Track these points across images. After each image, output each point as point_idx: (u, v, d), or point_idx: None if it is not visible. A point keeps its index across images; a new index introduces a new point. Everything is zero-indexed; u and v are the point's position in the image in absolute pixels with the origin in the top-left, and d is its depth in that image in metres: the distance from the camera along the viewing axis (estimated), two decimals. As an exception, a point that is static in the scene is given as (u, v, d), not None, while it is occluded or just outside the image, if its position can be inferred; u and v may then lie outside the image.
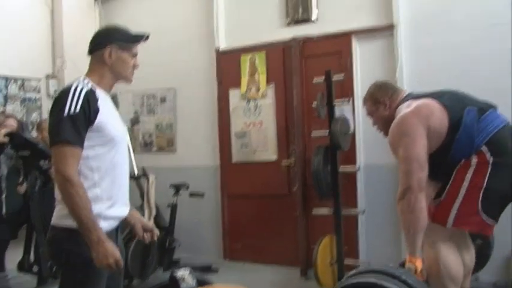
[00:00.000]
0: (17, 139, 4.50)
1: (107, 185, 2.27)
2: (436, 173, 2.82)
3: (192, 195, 5.65)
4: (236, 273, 5.42)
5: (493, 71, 4.33)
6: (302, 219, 5.13)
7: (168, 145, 6.14)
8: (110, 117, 2.29)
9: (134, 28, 6.58)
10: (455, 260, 2.83)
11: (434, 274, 2.81)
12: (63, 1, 6.16)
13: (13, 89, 5.74)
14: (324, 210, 4.68)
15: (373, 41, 4.92)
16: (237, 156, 5.63)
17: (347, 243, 4.76)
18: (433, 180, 2.90)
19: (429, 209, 2.78)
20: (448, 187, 2.80)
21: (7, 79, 5.70)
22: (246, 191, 5.58)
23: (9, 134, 4.50)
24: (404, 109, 2.89)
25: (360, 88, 4.91)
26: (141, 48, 6.41)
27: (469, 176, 2.75)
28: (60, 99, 2.20)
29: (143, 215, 5.10)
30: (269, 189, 5.42)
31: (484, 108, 2.85)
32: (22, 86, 5.82)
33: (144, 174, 5.27)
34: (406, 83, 4.63)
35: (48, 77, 6.06)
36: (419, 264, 2.70)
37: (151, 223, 2.65)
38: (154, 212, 5.15)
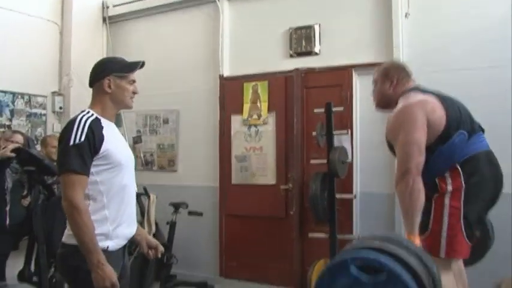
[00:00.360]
0: (23, 154, 4.60)
1: (114, 207, 2.45)
2: None
3: (190, 213, 5.81)
4: (231, 291, 5.60)
5: (492, 111, 4.55)
6: (298, 242, 5.29)
7: (169, 165, 6.27)
8: (116, 144, 2.48)
9: (141, 50, 6.85)
10: None
11: None
12: (72, 20, 6.32)
13: (19, 104, 5.86)
14: (319, 234, 4.85)
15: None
16: (236, 178, 5.77)
17: (340, 267, 4.95)
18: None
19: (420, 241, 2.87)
20: (431, 217, 2.91)
21: (14, 94, 5.83)
22: (244, 212, 5.72)
23: (16, 149, 4.62)
24: (411, 99, 2.99)
25: (359, 120, 5.14)
26: (147, 70, 6.63)
27: (447, 201, 2.88)
28: (67, 130, 2.39)
29: (143, 231, 5.25)
30: (267, 211, 5.56)
31: (474, 129, 3.00)
32: (28, 102, 5.95)
33: (145, 192, 5.42)
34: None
35: (54, 93, 6.19)
36: (417, 241, 2.77)
37: (155, 240, 2.80)
38: (154, 229, 5.31)
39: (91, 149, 2.35)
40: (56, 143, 5.26)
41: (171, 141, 6.28)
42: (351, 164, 5.04)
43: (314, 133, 4.78)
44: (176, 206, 5.66)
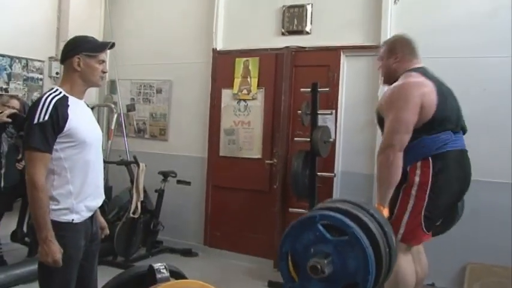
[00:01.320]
0: (19, 120, 4.72)
1: (78, 182, 2.58)
2: None
3: (179, 182, 6.01)
4: (214, 259, 5.82)
5: (467, 96, 4.65)
6: (280, 215, 5.47)
7: (161, 133, 6.42)
8: (81, 122, 2.58)
9: (138, 20, 6.95)
10: (411, 272, 3.12)
11: (392, 283, 3.10)
12: (69, -15, 6.33)
13: (17, 68, 5.94)
14: (300, 210, 5.03)
15: (361, 58, 5.20)
16: (224, 150, 5.91)
17: (319, 241, 5.15)
18: None
19: None
20: (397, 204, 3.06)
21: (12, 58, 5.90)
22: (230, 184, 5.89)
23: (13, 115, 4.77)
24: (411, 78, 3.08)
25: (344, 101, 5.26)
26: (142, 39, 6.75)
27: (413, 192, 3.02)
28: (32, 108, 2.51)
29: (131, 198, 5.46)
30: (251, 184, 5.73)
31: (456, 130, 3.13)
32: (26, 66, 6.03)
33: (135, 161, 5.60)
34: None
35: (51, 59, 6.26)
36: (385, 213, 2.95)
37: (104, 222, 2.99)
38: (141, 197, 5.48)
39: (54, 128, 2.45)
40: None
41: (163, 110, 6.41)
42: (334, 144, 5.18)
43: (299, 111, 4.92)
44: (165, 175, 5.86)
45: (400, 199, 3.07)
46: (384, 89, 4.85)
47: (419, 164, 3.04)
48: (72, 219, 2.56)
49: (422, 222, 3.04)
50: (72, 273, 2.59)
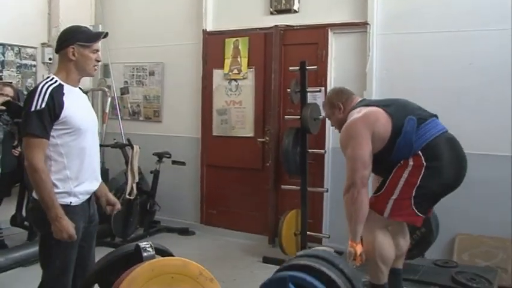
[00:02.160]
0: (13, 107, 4.79)
1: (75, 167, 2.67)
2: (379, 169, 3.20)
3: (174, 162, 6.11)
4: (211, 237, 5.94)
5: (454, 71, 4.75)
6: (273, 193, 5.57)
7: (155, 115, 6.50)
8: (76, 109, 2.66)
9: (128, 4, 6.97)
10: (388, 244, 3.18)
11: (370, 256, 3.17)
12: (60, -29, 6.34)
13: (10, 55, 6.01)
14: (292, 187, 5.13)
15: (348, 36, 5.26)
16: (217, 130, 6.00)
17: (312, 217, 5.26)
18: (376, 175, 3.34)
19: (370, 199, 3.12)
20: (387, 183, 3.11)
21: (4, 46, 5.96)
22: (224, 163, 5.99)
23: (6, 102, 4.83)
24: (355, 114, 3.18)
25: (333, 78, 5.32)
26: (134, 23, 6.76)
27: (405, 175, 3.06)
28: (30, 96, 2.59)
29: (127, 180, 5.56)
30: (245, 162, 5.83)
31: (425, 117, 3.15)
32: (18, 53, 6.10)
33: (129, 143, 5.68)
34: (375, 77, 5.07)
35: (43, 45, 6.32)
36: (359, 248, 3.08)
37: (114, 198, 3.08)
38: (137, 179, 5.57)
39: (51, 115, 2.53)
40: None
41: (157, 92, 6.48)
42: (324, 121, 5.23)
43: (289, 90, 4.98)
44: (160, 156, 5.96)
45: (391, 179, 3.11)
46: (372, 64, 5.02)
47: (410, 158, 3.08)
48: (70, 202, 2.65)
49: (413, 205, 3.10)
50: (72, 254, 2.69)
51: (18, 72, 6.09)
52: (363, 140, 3.06)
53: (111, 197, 3.05)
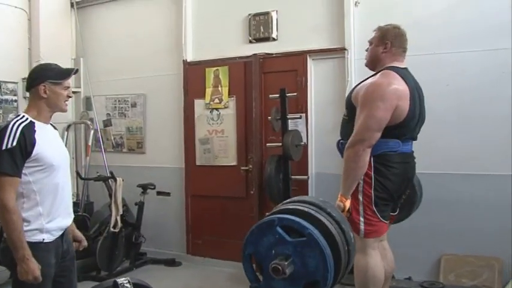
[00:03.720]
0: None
1: (48, 204, 2.69)
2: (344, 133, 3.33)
3: (159, 193, 6.09)
4: (198, 267, 5.91)
5: (433, 93, 4.77)
6: (257, 220, 5.45)
7: (138, 147, 6.49)
8: (48, 146, 2.68)
9: (109, 35, 7.01)
10: (380, 267, 3.21)
11: (362, 278, 3.20)
12: (40, 6, 6.33)
13: (-10, 91, 5.99)
14: (276, 214, 5.12)
15: (326, 61, 5.30)
16: (200, 160, 6.00)
17: (297, 243, 5.25)
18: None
19: None
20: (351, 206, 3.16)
21: (-16, 81, 5.94)
22: (208, 192, 5.97)
23: None
24: (394, 80, 3.14)
25: (314, 103, 5.36)
26: (115, 55, 6.78)
27: (360, 188, 3.14)
28: (0, 135, 2.57)
29: (111, 213, 5.52)
30: (229, 191, 5.82)
31: (407, 139, 3.25)
32: (-1, 88, 6.11)
33: (112, 176, 5.66)
34: (354, 101, 5.11)
35: (24, 79, 6.21)
36: (347, 204, 3.09)
37: (81, 235, 3.09)
38: (121, 211, 5.53)
39: (22, 153, 2.55)
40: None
41: (139, 124, 6.48)
42: (306, 147, 5.28)
43: (269, 117, 5.02)
44: (144, 187, 5.94)
45: (351, 195, 3.16)
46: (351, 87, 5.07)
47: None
48: (43, 239, 2.66)
49: (377, 213, 3.13)
50: None
51: (-1, 107, 6.07)
52: (388, 107, 3.06)
53: (78, 233, 3.07)
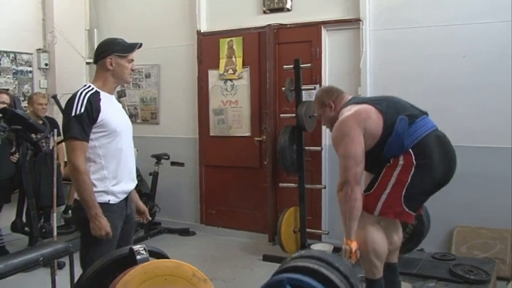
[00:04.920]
0: (9, 114, 4.79)
1: (113, 167, 2.86)
2: (369, 166, 3.21)
3: (173, 164, 6.14)
4: (211, 236, 5.99)
5: (448, 65, 4.76)
6: (271, 191, 5.57)
7: (152, 117, 6.53)
8: (112, 114, 2.84)
9: (122, 7, 6.99)
10: (381, 239, 3.17)
11: (363, 252, 3.19)
12: (54, -23, 6.35)
13: (5, 62, 6.01)
14: (290, 184, 5.16)
15: (341, 32, 5.28)
16: (214, 130, 6.03)
17: (311, 214, 5.30)
18: (368, 172, 3.36)
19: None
20: (377, 181, 3.13)
21: (-1, 53, 6.01)
22: (222, 162, 6.03)
23: (3, 109, 4.84)
24: (346, 112, 3.18)
25: (328, 75, 5.34)
26: (129, 26, 6.78)
27: (395, 173, 3.07)
28: (69, 103, 2.79)
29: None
30: (242, 161, 5.87)
31: (416, 115, 3.16)
32: (14, 60, 6.09)
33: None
34: (368, 72, 5.09)
35: (39, 51, 6.32)
36: (354, 245, 3.09)
37: (144, 207, 3.24)
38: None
39: (89, 119, 2.73)
40: (42, 100, 5.53)
41: (153, 94, 6.51)
42: (320, 118, 5.24)
43: (283, 88, 5.01)
44: (158, 158, 5.99)
45: (381, 178, 3.13)
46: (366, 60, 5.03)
47: (401, 156, 3.09)
48: (109, 200, 2.84)
49: (403, 203, 3.12)
50: (111, 250, 2.79)
51: (14, 78, 6.09)
52: (355, 137, 3.06)
53: (141, 205, 3.25)
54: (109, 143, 2.82)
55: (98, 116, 2.75)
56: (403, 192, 3.08)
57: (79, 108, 2.71)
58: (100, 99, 2.79)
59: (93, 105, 2.74)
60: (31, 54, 6.27)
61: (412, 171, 3.06)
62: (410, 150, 3.07)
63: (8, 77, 6.04)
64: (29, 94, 6.00)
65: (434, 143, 3.12)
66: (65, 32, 6.27)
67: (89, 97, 2.75)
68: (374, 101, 3.23)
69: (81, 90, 2.80)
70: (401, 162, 3.08)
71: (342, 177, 3.11)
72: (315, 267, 2.43)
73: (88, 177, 2.73)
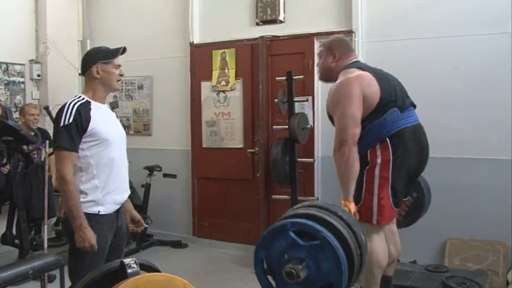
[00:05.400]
0: (0, 125, 4.77)
1: (104, 177, 2.84)
2: None
3: (165, 175, 6.12)
4: (203, 249, 5.94)
5: (440, 76, 4.78)
6: (264, 203, 5.53)
7: (145, 129, 6.51)
8: (103, 123, 2.83)
9: (115, 18, 6.98)
10: (384, 249, 3.22)
11: (367, 262, 3.25)
12: (47, -12, 6.35)
13: (-3, 73, 6.00)
14: (282, 196, 5.13)
15: (334, 44, 5.29)
16: (206, 142, 6.01)
17: (303, 226, 5.27)
18: None
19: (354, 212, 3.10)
20: (363, 189, 3.14)
21: (-9, 64, 5.95)
22: (214, 174, 6.00)
23: None
24: (349, 74, 3.17)
25: (320, 86, 5.31)
26: (122, 38, 6.77)
27: (377, 172, 3.11)
28: (58, 113, 2.79)
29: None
30: (235, 173, 5.84)
31: (404, 108, 3.20)
32: (6, 70, 6.07)
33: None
34: (361, 84, 5.09)
35: (31, 61, 6.30)
36: (352, 207, 3.04)
37: (139, 216, 3.21)
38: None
39: (78, 128, 2.73)
40: (33, 111, 5.50)
41: (146, 106, 6.49)
42: (313, 130, 5.27)
43: (276, 100, 5.01)
44: (151, 169, 5.96)
45: (366, 181, 3.14)
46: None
47: (378, 146, 3.13)
48: (99, 211, 2.82)
49: (391, 199, 3.14)
50: (100, 262, 2.78)
51: (6, 89, 6.06)
52: (355, 99, 3.06)
53: (136, 214, 3.22)
54: (101, 152, 2.81)
55: (87, 125, 2.75)
56: (389, 190, 3.12)
57: (68, 118, 2.72)
58: (90, 108, 2.79)
59: (83, 115, 2.74)
60: (23, 65, 6.25)
61: (391, 166, 3.10)
62: (387, 139, 3.10)
63: (0, 88, 6.00)
64: (21, 105, 5.96)
65: (410, 135, 3.17)
66: (57, 43, 6.25)
67: (78, 107, 2.75)
68: (378, 74, 3.22)
69: (71, 100, 2.81)
70: (379, 160, 3.11)
71: (338, 137, 3.09)
72: (317, 213, 2.42)
73: (75, 187, 2.72)
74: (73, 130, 2.71)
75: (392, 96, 3.17)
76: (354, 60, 3.39)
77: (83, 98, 2.83)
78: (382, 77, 3.20)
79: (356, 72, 3.18)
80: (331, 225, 2.34)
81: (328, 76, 3.45)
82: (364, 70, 3.22)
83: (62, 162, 2.72)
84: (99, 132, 2.78)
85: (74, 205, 2.70)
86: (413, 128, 3.22)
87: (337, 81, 3.21)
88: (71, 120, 2.71)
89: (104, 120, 2.85)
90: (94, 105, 2.83)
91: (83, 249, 2.71)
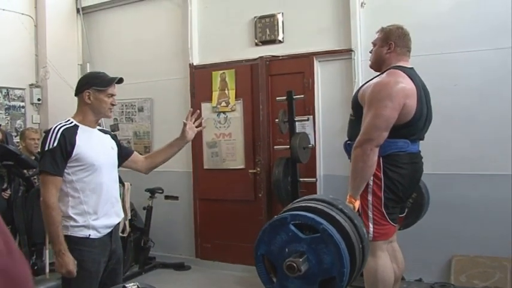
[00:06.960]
0: (1, 150, 4.78)
1: (93, 202, 2.81)
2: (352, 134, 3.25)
3: (167, 197, 6.08)
4: (207, 271, 5.88)
5: (440, 93, 4.75)
6: (266, 223, 5.52)
7: (146, 151, 6.45)
8: (89, 148, 2.80)
9: (115, 40, 7.01)
10: (390, 268, 3.19)
11: (372, 280, 3.18)
12: (46, 12, 6.40)
13: (-3, 98, 6.01)
14: (285, 217, 5.10)
15: (333, 63, 5.29)
16: (208, 163, 5.99)
17: (307, 246, 5.22)
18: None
19: None
20: (359, 211, 3.09)
21: (-8, 88, 5.96)
22: (216, 196, 5.96)
23: None
24: (401, 78, 3.12)
25: (321, 105, 5.34)
26: (121, 60, 6.81)
27: (369, 189, 3.10)
28: (45, 137, 2.80)
29: (120, 217, 5.52)
30: (237, 194, 5.81)
31: (416, 139, 3.22)
32: (7, 95, 6.09)
33: (120, 181, 5.64)
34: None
35: (32, 86, 6.33)
36: (356, 204, 3.03)
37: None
38: (129, 216, 5.52)
39: (63, 153, 2.72)
40: (34, 135, 5.49)
41: (147, 128, 6.49)
42: (314, 149, 5.25)
43: (277, 120, 5.00)
44: (152, 191, 5.93)
45: (361, 206, 3.11)
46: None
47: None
48: (89, 235, 2.79)
49: (386, 215, 3.11)
50: (92, 287, 2.78)
51: (6, 114, 6.08)
52: (396, 106, 3.03)
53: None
54: (87, 177, 2.78)
55: (72, 150, 2.73)
56: (384, 210, 3.10)
57: (52, 142, 2.71)
58: (77, 133, 2.78)
59: (67, 139, 2.72)
60: (23, 89, 6.27)
61: (383, 185, 3.09)
62: (381, 157, 3.08)
63: (0, 113, 6.02)
64: (21, 129, 5.96)
65: (406, 158, 3.15)
66: (57, 66, 6.27)
67: (62, 131, 2.74)
68: (420, 90, 3.19)
69: (57, 124, 2.81)
70: (370, 182, 3.09)
71: (365, 134, 3.04)
72: (318, 206, 2.40)
73: (56, 212, 2.69)
74: (57, 154, 2.70)
75: (419, 125, 3.17)
76: (410, 66, 3.33)
77: (71, 122, 2.82)
78: (422, 101, 3.18)
79: (406, 79, 3.14)
80: (333, 218, 2.33)
81: (379, 66, 3.39)
82: (414, 84, 3.17)
83: (45, 186, 2.71)
84: (85, 157, 2.76)
85: (54, 230, 2.68)
86: (411, 155, 3.22)
87: (385, 78, 3.16)
88: (55, 144, 2.71)
89: (91, 145, 2.82)
90: (82, 129, 2.82)
91: (62, 274, 2.71)
